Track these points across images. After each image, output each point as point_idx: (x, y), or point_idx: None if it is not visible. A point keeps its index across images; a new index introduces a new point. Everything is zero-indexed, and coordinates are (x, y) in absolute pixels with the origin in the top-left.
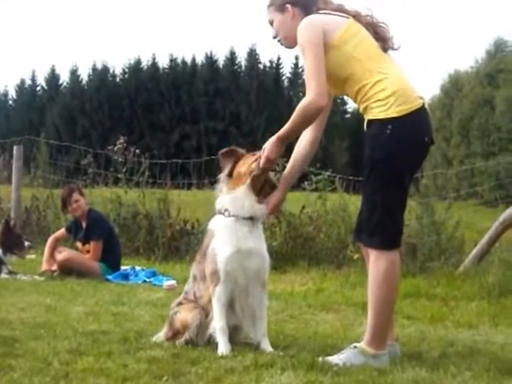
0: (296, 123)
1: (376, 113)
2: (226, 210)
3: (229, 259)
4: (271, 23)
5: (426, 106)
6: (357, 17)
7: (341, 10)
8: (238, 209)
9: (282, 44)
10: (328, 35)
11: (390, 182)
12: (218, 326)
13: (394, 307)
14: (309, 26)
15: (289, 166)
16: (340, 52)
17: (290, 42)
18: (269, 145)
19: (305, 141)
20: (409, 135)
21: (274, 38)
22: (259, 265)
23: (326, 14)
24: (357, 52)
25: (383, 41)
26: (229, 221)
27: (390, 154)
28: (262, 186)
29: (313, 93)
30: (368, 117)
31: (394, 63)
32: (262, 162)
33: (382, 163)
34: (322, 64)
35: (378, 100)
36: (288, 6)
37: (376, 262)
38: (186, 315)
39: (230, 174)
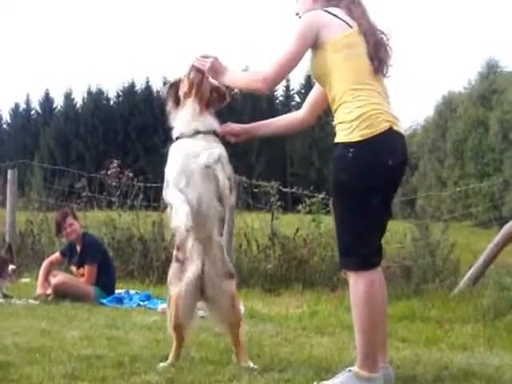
0: (238, 85)
1: (340, 136)
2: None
3: (173, 164)
4: (297, 0)
5: (397, 128)
6: (368, 30)
7: (356, 17)
8: (182, 126)
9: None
10: (324, 35)
11: (356, 205)
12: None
13: (380, 327)
14: (309, 22)
15: (267, 121)
16: (328, 56)
17: None
18: (209, 70)
19: (293, 117)
20: (371, 159)
21: (297, 14)
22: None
23: (332, 15)
24: (342, 65)
25: (379, 62)
26: (177, 143)
27: (352, 177)
28: (209, 98)
29: (265, 80)
30: (335, 139)
31: (375, 86)
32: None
33: (346, 186)
34: (294, 61)
35: (343, 122)
36: None
37: (355, 284)
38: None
39: (177, 102)
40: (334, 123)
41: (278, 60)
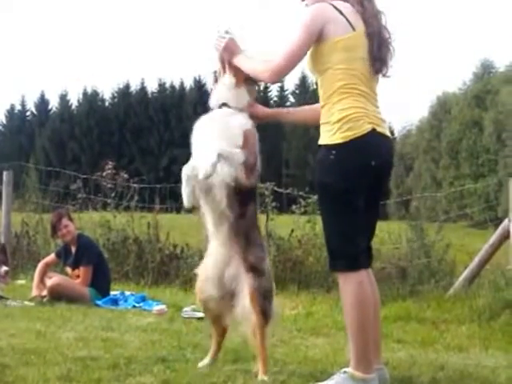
0: (246, 71)
1: (323, 138)
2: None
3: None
4: None
5: (381, 130)
6: (375, 31)
7: (368, 16)
8: (215, 99)
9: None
10: (326, 31)
11: (340, 206)
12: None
13: (372, 328)
14: (315, 14)
15: (294, 109)
16: (324, 53)
17: None
18: (225, 51)
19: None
20: (353, 160)
21: (302, 0)
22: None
23: (339, 11)
24: (336, 66)
25: (381, 64)
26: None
27: (335, 179)
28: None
29: (271, 71)
30: (319, 141)
31: (364, 91)
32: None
33: (330, 188)
34: (299, 54)
35: (327, 123)
36: None
37: (344, 286)
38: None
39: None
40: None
41: (285, 52)
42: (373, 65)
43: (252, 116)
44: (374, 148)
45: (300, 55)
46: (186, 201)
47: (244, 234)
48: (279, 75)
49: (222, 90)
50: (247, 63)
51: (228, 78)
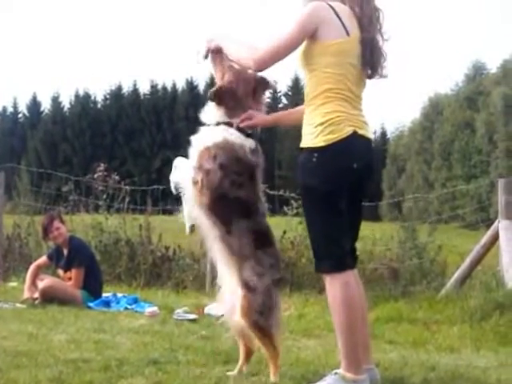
0: (234, 56)
1: (306, 141)
2: None
3: None
4: None
5: (363, 132)
6: (370, 38)
7: (364, 23)
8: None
9: (304, 5)
10: (320, 32)
11: (323, 208)
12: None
13: (360, 328)
14: (311, 13)
15: (289, 111)
16: (315, 53)
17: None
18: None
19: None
20: (335, 163)
21: None
22: None
23: (336, 14)
24: (325, 69)
25: (372, 69)
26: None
27: (317, 181)
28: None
29: (257, 59)
30: (301, 143)
31: (348, 95)
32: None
33: (312, 191)
34: (288, 47)
35: (309, 125)
36: None
37: (330, 287)
38: None
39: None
40: (302, 123)
41: (274, 44)
42: (364, 70)
43: (253, 127)
44: (355, 150)
45: (286, 51)
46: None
47: (237, 250)
48: (263, 67)
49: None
50: (235, 50)
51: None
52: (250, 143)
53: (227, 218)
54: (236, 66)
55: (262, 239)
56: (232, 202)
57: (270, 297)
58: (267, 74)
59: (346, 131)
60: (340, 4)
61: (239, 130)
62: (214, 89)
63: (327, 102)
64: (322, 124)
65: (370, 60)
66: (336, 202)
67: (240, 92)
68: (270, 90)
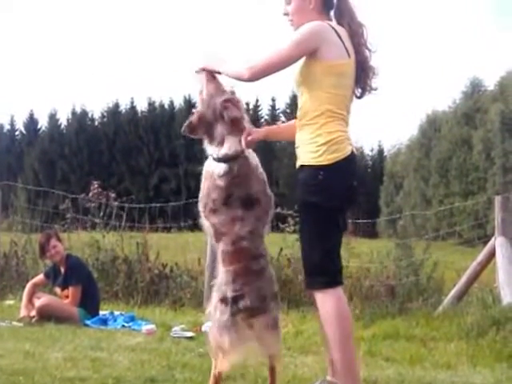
0: (226, 73)
1: (308, 158)
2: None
3: None
4: (288, 1)
5: (355, 151)
6: (362, 59)
7: (356, 43)
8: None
9: (291, 24)
10: (323, 52)
11: (324, 225)
12: None
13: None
14: (312, 31)
15: (281, 125)
16: (317, 73)
17: (300, 26)
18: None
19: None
20: (339, 181)
21: (285, 14)
22: None
23: (337, 34)
24: (327, 89)
25: (363, 89)
26: None
27: (321, 198)
28: None
29: (251, 70)
30: (300, 161)
31: (346, 115)
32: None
33: (315, 208)
34: (283, 62)
35: (310, 144)
36: None
37: (324, 303)
38: None
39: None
40: (297, 140)
41: (270, 57)
42: (355, 90)
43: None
44: (354, 168)
45: (280, 65)
46: None
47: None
48: (257, 76)
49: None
50: (229, 67)
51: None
52: (218, 168)
53: (216, 237)
54: (205, 94)
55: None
56: (209, 228)
57: (228, 315)
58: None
59: (347, 150)
60: (338, 25)
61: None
62: (185, 124)
63: (329, 121)
64: (326, 143)
65: (363, 81)
66: (336, 219)
67: (210, 119)
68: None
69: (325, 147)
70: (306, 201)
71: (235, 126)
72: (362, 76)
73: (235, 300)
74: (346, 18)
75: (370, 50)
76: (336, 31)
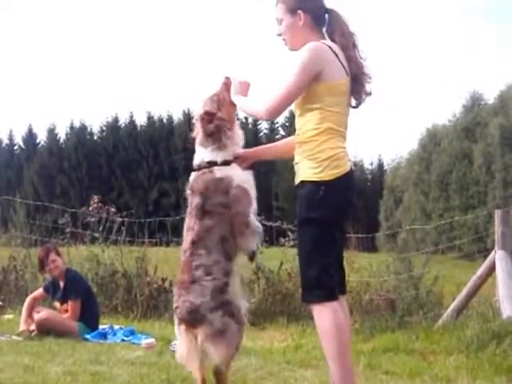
0: (243, 109)
1: (309, 174)
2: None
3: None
4: (279, 21)
5: (352, 167)
6: (355, 72)
7: (348, 56)
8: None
9: (285, 44)
10: (325, 73)
11: (324, 240)
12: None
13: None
14: (314, 55)
15: (268, 145)
16: (319, 93)
17: (293, 45)
18: (237, 86)
19: (291, 140)
20: (339, 196)
21: (279, 35)
22: None
23: (335, 54)
24: (330, 108)
25: (358, 103)
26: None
27: (322, 213)
28: None
29: (268, 109)
30: (300, 176)
31: (344, 131)
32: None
33: (316, 223)
34: (295, 93)
35: (312, 160)
36: (300, 12)
37: (321, 316)
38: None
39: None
40: (297, 156)
41: (281, 94)
42: (351, 102)
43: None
44: (352, 185)
45: (295, 96)
46: None
47: None
48: (275, 115)
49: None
50: (245, 102)
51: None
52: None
53: None
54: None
55: None
56: None
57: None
58: None
59: (347, 166)
60: (332, 42)
61: None
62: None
63: (330, 138)
64: (327, 159)
65: (357, 91)
66: (335, 234)
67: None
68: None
69: (326, 163)
70: (306, 216)
71: (204, 138)
72: (357, 87)
73: (176, 312)
74: (338, 33)
75: (362, 59)
76: (332, 50)
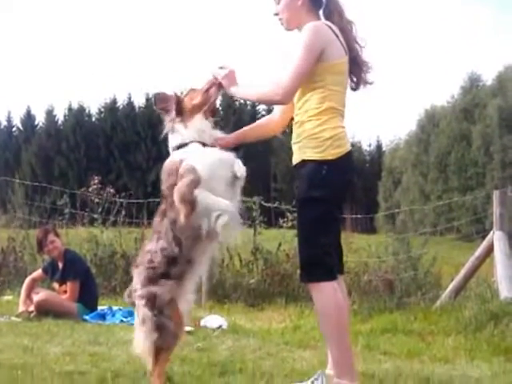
0: (253, 97)
1: (311, 153)
2: (190, 141)
3: (208, 166)
4: (277, 1)
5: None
6: (355, 54)
7: (347, 39)
8: (203, 136)
9: (281, 23)
10: (327, 53)
11: (325, 219)
12: (221, 206)
13: (348, 330)
14: (317, 34)
15: (249, 126)
16: (320, 72)
17: (290, 24)
18: (224, 79)
19: (270, 119)
20: (341, 175)
21: (276, 15)
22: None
23: (335, 34)
24: (331, 87)
25: (357, 84)
26: (196, 146)
27: (325, 192)
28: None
29: (283, 91)
30: (302, 156)
31: (344, 110)
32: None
33: (317, 202)
34: (306, 73)
35: (314, 138)
36: None
37: (320, 296)
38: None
39: (180, 112)
40: (297, 136)
41: (293, 74)
42: (350, 83)
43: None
44: (353, 164)
45: (304, 77)
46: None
47: None
48: (291, 97)
49: (207, 127)
50: (253, 90)
51: (203, 117)
52: None
53: None
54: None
55: None
56: None
57: None
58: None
59: (348, 146)
60: (330, 23)
61: None
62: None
63: (332, 117)
64: (330, 138)
65: (356, 74)
66: (335, 213)
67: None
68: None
69: (328, 142)
70: (307, 195)
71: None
72: (356, 70)
73: None
74: (335, 16)
75: (360, 46)
76: (332, 30)
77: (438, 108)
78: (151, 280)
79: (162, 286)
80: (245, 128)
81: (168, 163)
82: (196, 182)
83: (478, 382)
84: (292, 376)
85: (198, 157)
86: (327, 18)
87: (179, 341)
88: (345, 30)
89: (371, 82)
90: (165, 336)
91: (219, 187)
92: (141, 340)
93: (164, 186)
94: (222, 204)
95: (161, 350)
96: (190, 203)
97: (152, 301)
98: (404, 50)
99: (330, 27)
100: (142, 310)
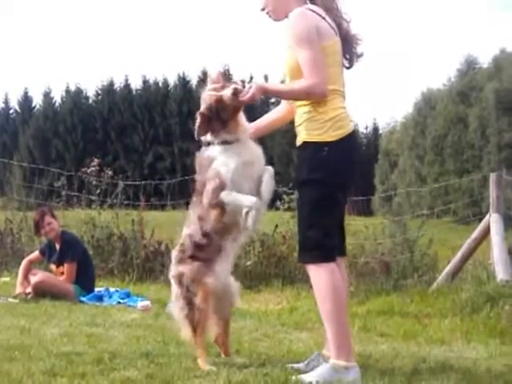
0: (289, 95)
1: (313, 135)
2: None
3: (234, 169)
4: None
5: (354, 128)
6: (344, 32)
7: (334, 16)
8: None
9: (269, 16)
10: (317, 36)
11: (326, 201)
12: (248, 203)
13: (346, 312)
14: (304, 21)
15: (264, 121)
16: None
17: (278, 15)
18: (254, 88)
19: (280, 109)
20: (343, 157)
21: (262, 10)
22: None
23: (321, 17)
24: (327, 69)
25: (350, 62)
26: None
27: (326, 174)
28: None
29: (316, 78)
30: (303, 137)
31: (343, 91)
32: (246, 97)
33: (318, 184)
34: (320, 57)
35: (315, 121)
36: None
37: (318, 277)
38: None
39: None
40: (299, 118)
41: (312, 68)
42: (344, 64)
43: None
44: (356, 146)
45: (320, 59)
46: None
47: None
48: (325, 91)
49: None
50: (285, 88)
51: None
52: None
53: None
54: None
55: None
56: None
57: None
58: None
59: (350, 127)
60: (314, 5)
61: None
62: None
63: (332, 99)
64: (330, 120)
65: (349, 53)
66: (338, 195)
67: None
68: None
69: (329, 124)
70: (308, 177)
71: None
72: (348, 47)
73: None
74: None
75: (347, 21)
76: (317, 13)
77: (434, 91)
78: (181, 260)
79: (188, 265)
80: (261, 123)
81: (200, 158)
82: (221, 187)
83: (474, 363)
84: (289, 357)
85: (224, 160)
86: (311, 0)
87: (211, 316)
88: (331, 9)
89: (362, 54)
90: (194, 311)
91: (245, 185)
92: (176, 315)
93: (196, 178)
94: (248, 201)
95: (194, 323)
96: (218, 207)
97: (179, 279)
98: (401, 32)
99: (313, 11)
100: (173, 288)
